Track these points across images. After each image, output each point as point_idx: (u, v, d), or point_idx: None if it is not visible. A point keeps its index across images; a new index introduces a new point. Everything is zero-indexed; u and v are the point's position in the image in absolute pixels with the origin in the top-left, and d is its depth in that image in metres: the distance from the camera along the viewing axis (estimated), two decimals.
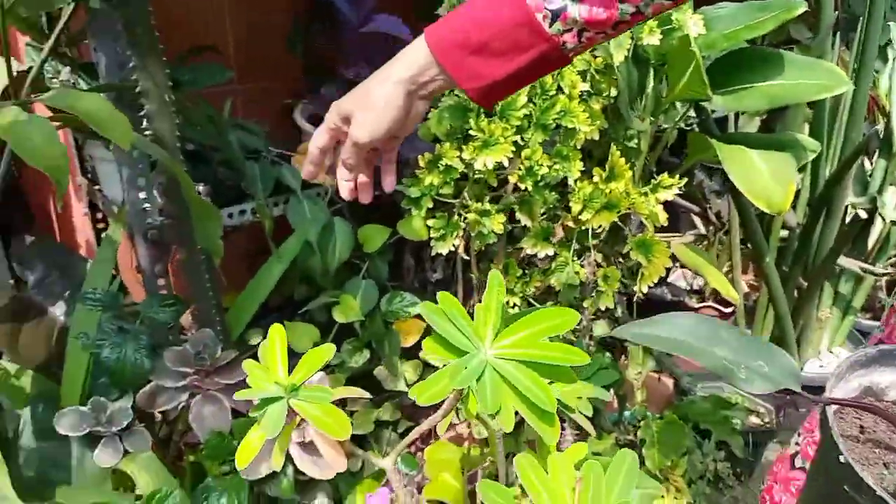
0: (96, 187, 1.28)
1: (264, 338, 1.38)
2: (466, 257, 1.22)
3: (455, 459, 1.37)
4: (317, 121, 1.51)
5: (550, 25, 0.61)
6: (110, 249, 1.09)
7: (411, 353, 1.48)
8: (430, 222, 1.14)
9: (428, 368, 1.50)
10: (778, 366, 0.54)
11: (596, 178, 1.11)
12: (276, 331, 0.59)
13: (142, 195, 1.09)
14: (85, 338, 1.02)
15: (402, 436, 1.54)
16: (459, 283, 1.45)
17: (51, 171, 0.70)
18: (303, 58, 1.55)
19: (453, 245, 1.13)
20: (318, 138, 0.78)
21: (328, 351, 0.59)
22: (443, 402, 0.56)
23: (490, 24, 0.62)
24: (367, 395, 0.66)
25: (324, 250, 1.25)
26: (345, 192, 0.80)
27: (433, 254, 1.17)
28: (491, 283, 0.54)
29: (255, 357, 1.22)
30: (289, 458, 1.10)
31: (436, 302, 1.41)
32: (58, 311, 1.21)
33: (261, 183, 1.17)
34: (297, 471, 1.11)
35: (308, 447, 1.08)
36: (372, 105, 0.70)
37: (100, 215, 1.41)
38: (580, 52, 0.65)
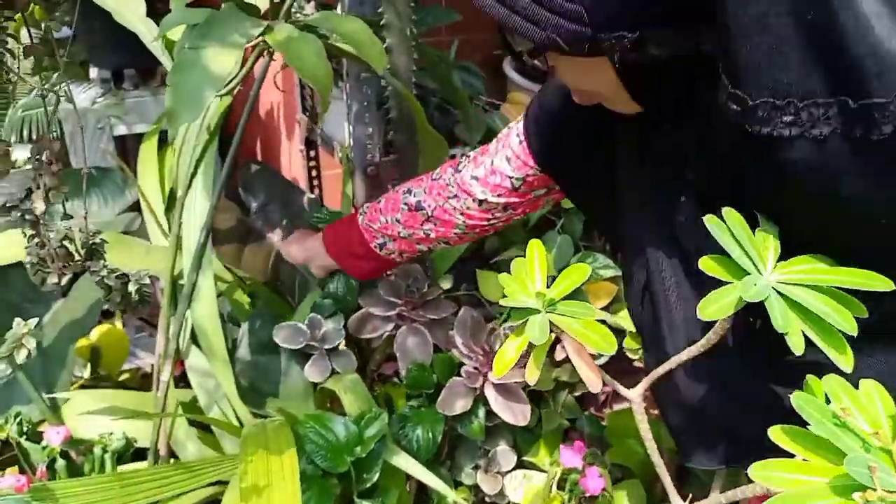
0: (317, 125, 1.34)
1: (454, 284, 1.41)
2: None
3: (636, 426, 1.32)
4: (523, 72, 1.50)
5: (380, 250, 0.99)
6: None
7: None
8: None
9: (615, 333, 1.46)
10: None
11: None
12: (535, 244, 0.58)
13: (368, 131, 1.12)
14: None
15: (579, 399, 1.52)
16: None
17: (319, 86, 0.73)
18: None
19: None
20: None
21: (587, 269, 0.57)
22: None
23: (350, 244, 1.02)
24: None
25: None
26: None
27: None
28: None
29: (455, 300, 1.24)
30: (482, 401, 1.11)
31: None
32: (275, 237, 1.29)
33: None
34: (486, 415, 1.12)
35: (503, 391, 1.09)
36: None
37: (312, 153, 1.49)
38: (406, 259, 1.03)
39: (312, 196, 1.40)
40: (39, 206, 0.59)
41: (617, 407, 1.64)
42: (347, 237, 1.02)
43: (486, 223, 0.90)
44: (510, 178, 0.84)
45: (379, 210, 0.97)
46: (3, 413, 1.10)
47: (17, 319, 0.55)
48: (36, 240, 0.60)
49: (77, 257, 0.60)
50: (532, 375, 0.57)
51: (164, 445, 1.07)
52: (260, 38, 0.76)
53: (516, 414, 1.07)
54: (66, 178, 1.36)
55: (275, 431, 0.85)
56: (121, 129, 1.46)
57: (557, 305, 0.55)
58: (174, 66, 0.71)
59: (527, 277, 0.58)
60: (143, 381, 1.58)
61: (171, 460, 1.10)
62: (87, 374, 1.32)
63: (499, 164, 0.84)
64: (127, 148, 1.61)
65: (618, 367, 1.63)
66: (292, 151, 1.71)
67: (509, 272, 1.44)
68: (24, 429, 1.03)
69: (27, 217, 0.59)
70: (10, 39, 0.84)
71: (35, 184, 0.59)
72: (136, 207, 1.64)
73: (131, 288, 0.63)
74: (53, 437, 0.97)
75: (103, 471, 1.01)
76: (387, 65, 0.81)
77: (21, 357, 0.55)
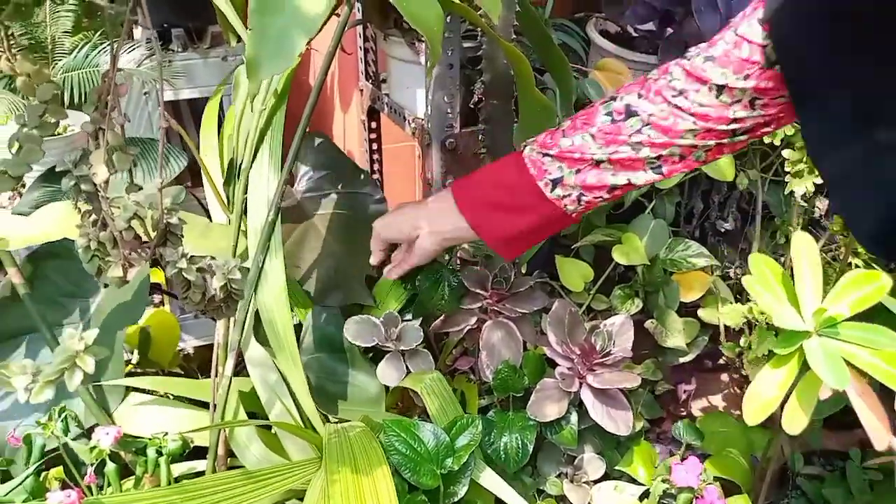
0: (384, 92, 1.21)
1: (527, 270, 1.27)
2: (802, 204, 1.02)
3: (736, 435, 1.20)
4: (607, 35, 1.36)
5: (552, 191, 0.72)
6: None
7: (686, 310, 1.32)
8: (788, 153, 0.95)
9: (705, 328, 1.33)
10: None
11: None
12: (804, 240, 0.44)
13: (447, 98, 0.99)
14: None
15: (658, 398, 1.39)
16: (756, 237, 1.26)
17: (428, 32, 0.60)
18: None
19: (813, 183, 0.94)
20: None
21: (883, 279, 0.42)
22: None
23: (499, 190, 0.76)
24: None
25: None
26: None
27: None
28: None
29: (539, 287, 1.11)
30: (576, 406, 0.99)
31: (723, 255, 1.21)
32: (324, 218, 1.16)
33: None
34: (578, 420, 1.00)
35: (603, 396, 0.96)
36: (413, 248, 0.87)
37: (373, 124, 1.36)
38: (582, 213, 0.75)
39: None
40: (101, 171, 0.45)
41: (697, 407, 1.52)
42: (494, 181, 0.77)
43: (724, 129, 0.65)
44: (763, 46, 0.60)
45: (561, 132, 0.73)
46: (49, 407, 1.00)
47: (69, 331, 0.43)
48: (93, 217, 0.47)
49: (145, 241, 0.48)
50: (798, 425, 0.42)
51: (222, 444, 0.96)
52: None
53: (618, 422, 0.94)
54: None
55: (360, 443, 0.74)
56: (167, 95, 1.34)
57: (838, 328, 0.40)
58: (256, 4, 0.59)
59: (778, 284, 0.43)
60: (186, 365, 1.48)
61: (228, 459, 0.99)
62: (134, 359, 1.22)
63: (746, 30, 0.61)
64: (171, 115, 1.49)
65: (699, 365, 1.51)
66: (346, 122, 1.58)
67: (590, 261, 1.32)
68: (71, 425, 0.93)
69: (83, 187, 0.46)
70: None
71: (94, 142, 0.46)
72: (179, 180, 1.53)
73: (216, 284, 0.51)
74: (103, 437, 0.86)
75: (157, 474, 0.91)
76: (501, 13, 0.68)
77: (74, 383, 0.43)
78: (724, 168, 1.16)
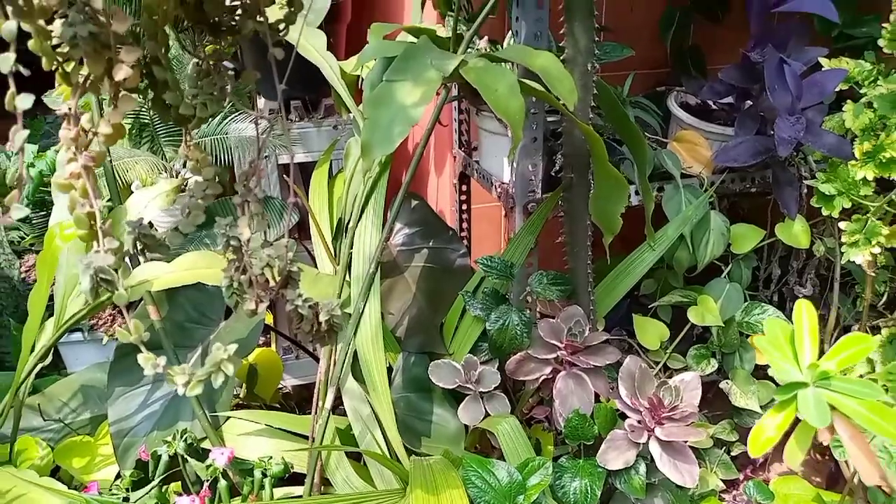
0: (475, 160, 1.33)
1: (606, 327, 1.34)
2: (871, 273, 1.05)
3: (808, 498, 1.20)
4: (688, 108, 1.44)
5: None
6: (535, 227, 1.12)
7: (764, 373, 1.34)
8: (844, 225, 1.00)
9: None
10: None
11: None
12: (804, 305, 0.52)
13: (531, 167, 1.10)
14: (471, 297, 1.05)
15: (734, 459, 1.41)
16: (835, 303, 1.28)
17: (511, 119, 0.71)
18: (670, 46, 1.48)
19: (870, 253, 0.98)
20: None
21: (870, 342, 0.50)
22: None
23: None
24: None
25: (696, 244, 1.17)
26: None
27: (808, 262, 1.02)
28: None
29: (616, 344, 1.18)
30: (644, 457, 1.04)
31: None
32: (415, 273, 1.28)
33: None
34: (648, 471, 1.05)
35: (670, 448, 1.01)
36: None
37: (464, 187, 1.48)
38: None
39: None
40: (245, 232, 0.59)
41: (776, 471, 1.51)
42: None
43: None
44: None
45: None
46: (169, 427, 1.14)
47: (217, 344, 0.55)
48: (236, 264, 0.60)
49: (272, 284, 0.60)
50: (794, 460, 0.49)
51: (318, 472, 1.07)
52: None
53: (683, 474, 0.99)
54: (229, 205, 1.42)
55: (441, 470, 0.82)
56: (283, 158, 1.51)
57: (831, 380, 0.48)
58: (370, 99, 0.71)
59: (786, 343, 0.51)
60: (285, 402, 1.62)
61: (323, 487, 1.10)
62: (242, 393, 1.36)
63: None
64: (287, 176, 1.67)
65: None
66: (440, 185, 1.71)
67: (667, 321, 1.37)
68: (190, 445, 1.06)
69: (231, 243, 0.60)
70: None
71: (241, 210, 0.60)
72: (291, 233, 1.70)
73: (322, 318, 0.63)
74: (218, 457, 0.99)
75: (262, 493, 1.02)
76: (577, 100, 0.78)
77: (218, 381, 0.55)
78: (799, 235, 1.20)
